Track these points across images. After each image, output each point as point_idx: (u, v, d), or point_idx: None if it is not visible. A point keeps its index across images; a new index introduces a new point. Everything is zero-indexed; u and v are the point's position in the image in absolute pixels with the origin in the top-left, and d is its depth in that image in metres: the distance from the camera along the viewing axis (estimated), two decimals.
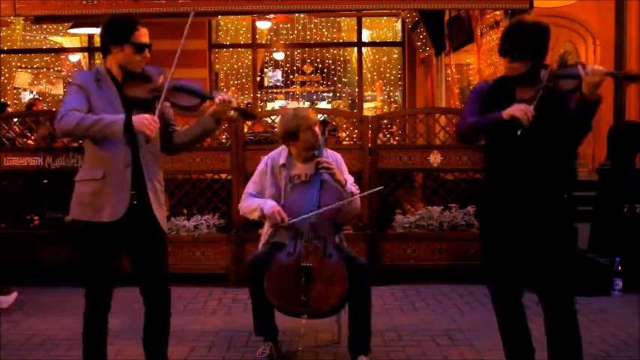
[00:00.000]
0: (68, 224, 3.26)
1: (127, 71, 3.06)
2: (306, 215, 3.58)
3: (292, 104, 11.48)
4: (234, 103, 3.16)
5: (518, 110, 2.80)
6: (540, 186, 2.96)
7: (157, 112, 2.95)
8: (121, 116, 2.88)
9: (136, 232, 3.08)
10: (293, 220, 3.59)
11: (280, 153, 3.90)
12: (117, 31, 3.03)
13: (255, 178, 3.90)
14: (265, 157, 3.95)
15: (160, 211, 3.14)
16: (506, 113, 2.83)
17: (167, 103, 3.12)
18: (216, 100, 3.11)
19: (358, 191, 3.85)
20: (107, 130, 2.86)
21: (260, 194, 3.83)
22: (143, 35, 3.04)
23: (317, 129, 3.76)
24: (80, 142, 5.61)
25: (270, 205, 3.66)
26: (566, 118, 2.86)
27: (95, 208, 2.99)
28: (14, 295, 4.96)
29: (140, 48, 3.03)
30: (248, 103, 10.89)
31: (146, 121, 2.87)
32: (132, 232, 3.07)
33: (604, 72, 2.73)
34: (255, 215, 3.76)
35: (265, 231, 3.91)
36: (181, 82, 3.11)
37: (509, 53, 2.96)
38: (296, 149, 3.82)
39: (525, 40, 2.91)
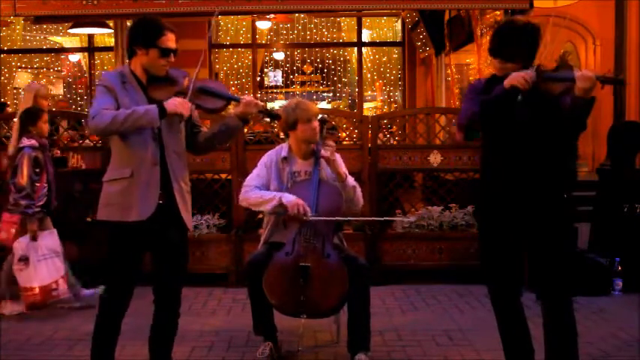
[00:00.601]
0: (96, 224, 3.22)
1: (151, 74, 3.06)
2: (323, 218, 3.58)
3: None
4: (260, 104, 3.17)
5: (516, 79, 2.80)
6: (539, 185, 2.96)
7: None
8: (153, 105, 2.89)
9: (162, 232, 3.07)
10: (314, 218, 3.57)
11: (282, 148, 3.90)
12: (143, 34, 3.02)
13: (259, 171, 3.85)
14: (267, 153, 3.94)
15: (186, 212, 3.14)
16: (506, 83, 2.84)
17: (192, 106, 3.11)
18: (242, 101, 3.13)
19: (359, 188, 3.85)
20: (143, 119, 2.87)
21: (265, 188, 3.79)
22: (170, 40, 3.03)
23: (316, 124, 3.76)
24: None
25: (290, 196, 3.62)
26: (561, 116, 2.86)
27: (123, 207, 2.99)
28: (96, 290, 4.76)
29: (166, 53, 3.02)
30: None
31: (178, 102, 2.90)
32: (158, 231, 3.06)
33: (595, 77, 2.73)
34: (268, 206, 3.67)
35: (264, 230, 3.90)
36: (207, 83, 3.11)
37: (501, 54, 2.96)
38: (295, 141, 3.82)
39: (516, 41, 2.91)
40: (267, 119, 3.42)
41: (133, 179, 2.98)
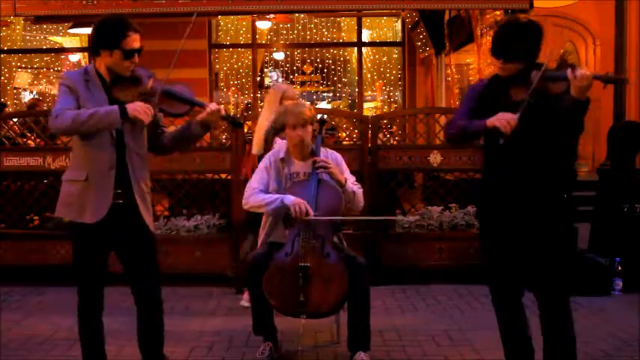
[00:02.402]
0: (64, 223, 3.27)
1: (116, 74, 3.05)
2: (326, 218, 3.58)
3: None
4: (223, 112, 3.13)
5: (500, 121, 2.78)
6: (539, 186, 2.96)
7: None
8: (115, 107, 2.89)
9: (122, 233, 3.09)
10: (316, 218, 3.57)
11: (280, 149, 3.91)
12: (107, 36, 3.00)
13: (260, 174, 3.85)
14: (267, 154, 3.95)
15: (146, 211, 3.14)
16: (489, 122, 2.83)
17: (156, 109, 3.09)
18: (207, 109, 3.11)
19: (360, 190, 3.84)
20: (104, 120, 2.88)
21: (266, 190, 3.79)
22: (134, 41, 3.01)
23: (301, 131, 3.71)
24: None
25: (291, 197, 3.63)
26: (558, 117, 2.85)
27: (79, 208, 3.03)
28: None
29: (129, 54, 3.00)
30: (248, 103, 10.89)
31: (139, 108, 2.89)
32: (118, 232, 3.07)
33: (592, 76, 2.71)
34: (269, 208, 3.69)
35: (262, 230, 3.90)
36: (173, 87, 3.08)
37: (502, 55, 2.93)
38: (289, 144, 3.83)
39: (518, 41, 2.89)
40: (231, 126, 3.38)
41: (88, 182, 3.01)
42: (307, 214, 3.55)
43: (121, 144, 3.03)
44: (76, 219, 3.04)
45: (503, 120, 2.78)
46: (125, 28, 2.99)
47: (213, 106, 3.12)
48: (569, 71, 2.73)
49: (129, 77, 3.06)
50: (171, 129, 3.33)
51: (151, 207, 3.25)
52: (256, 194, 3.76)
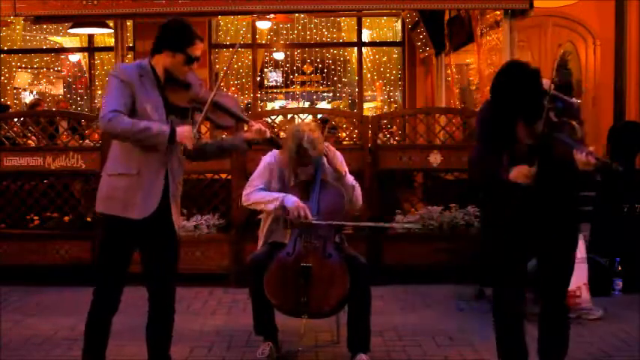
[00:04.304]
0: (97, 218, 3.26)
1: (171, 75, 3.07)
2: (325, 222, 3.57)
3: (292, 104, 11.47)
4: (268, 134, 3.23)
5: (521, 177, 2.80)
6: (555, 192, 2.95)
7: (196, 126, 3.04)
8: (167, 128, 2.91)
9: (153, 232, 3.09)
10: (316, 222, 3.57)
11: None
12: (175, 38, 3.03)
13: (261, 171, 3.85)
14: (269, 153, 3.93)
15: (177, 214, 3.18)
16: (511, 179, 2.84)
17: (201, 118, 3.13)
18: (253, 128, 3.19)
19: (359, 187, 3.85)
20: (153, 140, 2.92)
21: (267, 188, 3.80)
22: (198, 49, 3.07)
23: (296, 155, 3.64)
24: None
25: (292, 199, 3.62)
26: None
27: (126, 203, 3.00)
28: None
29: (191, 61, 3.06)
30: (248, 103, 10.89)
31: (187, 133, 2.94)
32: (150, 231, 3.08)
33: (596, 163, 2.65)
34: (269, 207, 3.70)
35: (263, 230, 3.90)
36: (223, 98, 3.16)
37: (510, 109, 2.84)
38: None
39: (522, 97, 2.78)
40: (269, 145, 3.45)
41: (140, 177, 3.00)
42: (306, 218, 3.55)
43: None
44: (120, 214, 3.01)
45: (522, 176, 2.80)
46: (194, 35, 3.05)
47: (258, 125, 3.21)
48: (576, 151, 2.66)
49: (182, 81, 3.09)
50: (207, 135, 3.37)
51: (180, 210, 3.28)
52: (257, 191, 3.76)
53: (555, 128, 2.78)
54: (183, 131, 2.94)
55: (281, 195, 3.68)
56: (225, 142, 3.36)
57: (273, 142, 3.38)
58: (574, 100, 2.80)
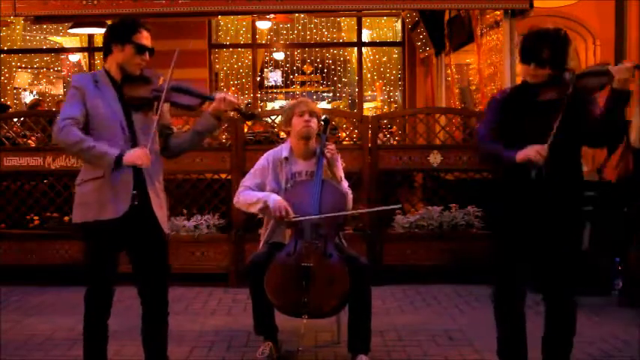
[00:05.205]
0: (71, 226, 3.26)
1: (126, 73, 3.08)
2: (309, 217, 3.57)
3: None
4: (235, 103, 3.18)
5: (530, 152, 2.80)
6: (560, 189, 2.96)
7: (158, 112, 3.01)
8: (115, 151, 2.90)
9: (136, 232, 3.09)
10: (298, 218, 3.57)
11: (282, 148, 3.90)
12: (119, 31, 3.07)
13: (255, 172, 3.86)
14: (266, 153, 3.93)
15: (161, 212, 3.15)
16: (520, 157, 2.83)
17: (166, 105, 3.14)
18: (217, 97, 3.15)
19: (350, 192, 3.85)
20: (98, 160, 2.93)
21: (259, 189, 3.79)
22: (145, 37, 3.08)
23: (308, 118, 3.72)
24: None
25: (275, 198, 3.63)
26: (591, 126, 2.88)
27: (99, 205, 3.01)
28: None
29: (141, 49, 3.05)
30: (248, 103, 10.89)
31: (137, 154, 2.91)
32: (133, 231, 3.07)
33: (632, 67, 2.77)
34: (255, 208, 3.71)
35: (265, 229, 3.90)
36: (181, 83, 3.14)
37: (535, 60, 2.93)
38: (294, 140, 3.82)
39: (551, 47, 2.90)
40: (242, 117, 3.42)
41: (105, 179, 3.00)
42: (287, 215, 3.56)
43: (134, 142, 3.04)
44: (95, 217, 3.01)
45: (533, 151, 2.79)
46: (137, 24, 3.08)
47: (222, 95, 3.17)
48: (609, 67, 2.80)
49: (139, 77, 3.09)
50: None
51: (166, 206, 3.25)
52: (244, 193, 3.78)
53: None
54: (132, 153, 2.92)
55: (265, 195, 3.68)
56: (197, 126, 3.27)
57: (242, 113, 3.30)
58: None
